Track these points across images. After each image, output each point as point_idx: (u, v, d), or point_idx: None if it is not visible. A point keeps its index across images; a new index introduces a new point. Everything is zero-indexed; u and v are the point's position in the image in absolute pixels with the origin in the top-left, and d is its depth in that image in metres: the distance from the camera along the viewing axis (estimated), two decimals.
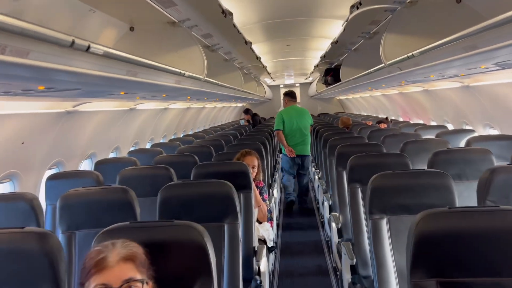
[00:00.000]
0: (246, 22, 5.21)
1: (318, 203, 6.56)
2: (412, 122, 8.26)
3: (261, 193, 3.84)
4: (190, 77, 3.74)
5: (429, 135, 5.10)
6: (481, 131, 5.23)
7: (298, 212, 6.84)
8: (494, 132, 4.99)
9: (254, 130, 9.21)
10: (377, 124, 7.47)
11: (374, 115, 12.59)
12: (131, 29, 3.80)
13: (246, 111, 12.88)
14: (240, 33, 5.15)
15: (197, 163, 4.05)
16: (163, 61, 3.04)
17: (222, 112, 15.14)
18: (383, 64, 3.98)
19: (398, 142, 4.35)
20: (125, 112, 5.74)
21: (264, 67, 9.48)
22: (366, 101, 13.90)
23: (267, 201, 3.89)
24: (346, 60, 7.50)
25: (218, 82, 5.35)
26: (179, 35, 4.04)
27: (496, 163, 3.15)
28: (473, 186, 2.59)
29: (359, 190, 3.17)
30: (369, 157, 3.34)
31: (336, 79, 8.80)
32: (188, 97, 5.79)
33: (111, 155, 5.76)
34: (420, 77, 4.43)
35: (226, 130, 9.80)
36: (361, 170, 3.17)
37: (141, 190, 3.22)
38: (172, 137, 8.37)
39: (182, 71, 3.46)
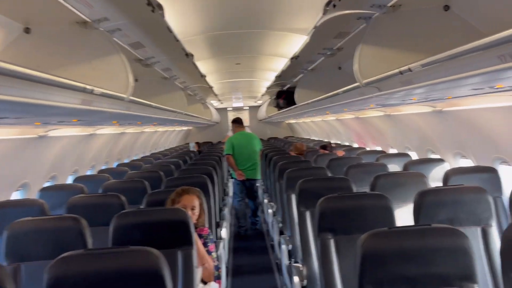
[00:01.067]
0: (186, 32, 3.95)
1: (267, 225, 6.64)
2: (368, 148, 7.47)
3: (205, 244, 3.04)
4: (105, 95, 2.76)
5: (370, 159, 5.26)
6: (451, 160, 4.73)
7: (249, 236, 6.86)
8: (467, 162, 4.50)
9: (202, 155, 8.74)
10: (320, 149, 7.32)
11: (326, 140, 11.55)
12: (27, 30, 2.88)
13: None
14: (178, 40, 3.89)
15: (147, 189, 4.02)
16: (68, 74, 2.25)
17: (165, 137, 13.70)
18: (357, 84, 3.31)
19: (342, 165, 4.55)
20: (32, 140, 4.37)
21: (211, 87, 8.35)
22: (317, 125, 13.01)
23: (213, 254, 3.08)
24: (302, 81, 6.67)
25: (151, 103, 4.44)
26: (93, 40, 3.05)
27: (431, 185, 3.43)
28: (409, 209, 2.75)
29: (307, 213, 3.30)
30: (316, 181, 3.48)
31: (289, 102, 8.21)
32: (114, 122, 4.69)
33: (14, 195, 4.53)
34: (400, 99, 3.71)
35: (168, 157, 8.55)
36: (308, 193, 3.31)
37: (92, 219, 2.94)
38: (103, 167, 6.89)
39: (90, 88, 2.47)
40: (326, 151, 6.41)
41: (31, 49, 2.77)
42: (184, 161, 7.20)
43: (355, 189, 3.43)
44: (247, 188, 6.71)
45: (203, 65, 6.01)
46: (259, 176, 6.82)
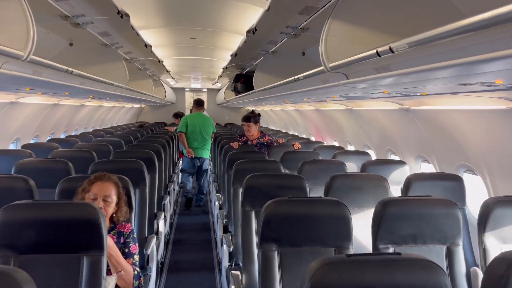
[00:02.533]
0: None
1: (212, 206, 6.61)
2: (325, 143, 6.96)
3: (126, 244, 2.50)
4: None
5: (327, 155, 4.94)
6: (412, 164, 4.39)
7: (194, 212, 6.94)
8: (428, 167, 4.22)
9: (155, 133, 8.65)
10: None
11: (284, 131, 10.95)
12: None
13: (176, 115, 10.16)
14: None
15: (94, 159, 4.02)
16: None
17: (112, 113, 12.37)
18: (322, 68, 2.67)
19: (297, 160, 4.15)
20: None
21: (160, 61, 7.34)
22: (276, 115, 12.14)
23: (135, 256, 2.50)
24: (262, 64, 5.90)
25: (69, 68, 3.46)
26: None
27: (391, 188, 3.14)
28: (368, 215, 2.54)
29: (253, 214, 2.92)
30: (266, 178, 3.06)
31: (248, 87, 7.59)
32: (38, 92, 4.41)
33: None
34: (369, 91, 3.07)
35: (110, 135, 7.81)
36: (256, 191, 2.93)
37: (40, 181, 2.99)
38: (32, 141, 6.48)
39: None
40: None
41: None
42: (135, 138, 7.05)
43: (308, 188, 3.04)
44: (196, 167, 6.90)
45: (152, 35, 5.43)
46: (208, 155, 6.98)
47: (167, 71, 9.30)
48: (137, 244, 2.53)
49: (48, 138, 6.62)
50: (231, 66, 7.48)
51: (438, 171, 3.81)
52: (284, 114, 10.86)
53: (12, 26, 2.02)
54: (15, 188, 2.60)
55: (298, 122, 9.70)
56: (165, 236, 4.65)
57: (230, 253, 3.49)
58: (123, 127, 11.39)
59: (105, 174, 2.52)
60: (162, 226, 4.15)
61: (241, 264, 2.96)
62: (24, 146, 4.93)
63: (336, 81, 2.81)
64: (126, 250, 2.46)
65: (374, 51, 1.90)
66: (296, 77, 3.62)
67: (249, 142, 5.43)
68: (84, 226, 1.94)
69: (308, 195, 2.96)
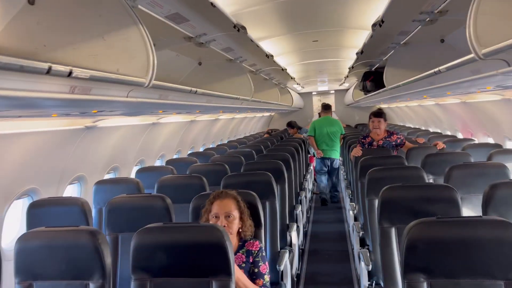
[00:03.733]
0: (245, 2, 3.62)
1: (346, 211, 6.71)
2: (476, 141, 5.96)
3: (255, 264, 2.41)
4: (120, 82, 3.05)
5: (480, 156, 4.31)
6: None
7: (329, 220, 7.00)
8: None
9: (286, 139, 8.90)
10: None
11: (423, 128, 9.83)
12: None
13: (290, 124, 10.20)
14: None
15: (227, 172, 4.22)
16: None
17: (244, 124, 12.75)
18: (471, 56, 2.09)
19: (443, 164, 3.69)
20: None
21: (284, 69, 7.21)
22: (413, 111, 11.01)
23: (265, 276, 2.42)
24: (393, 58, 5.22)
25: (185, 88, 3.65)
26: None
27: None
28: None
29: (393, 231, 2.68)
30: (387, 170, 3.41)
31: (378, 84, 7.05)
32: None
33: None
34: None
35: (243, 145, 7.90)
36: (378, 182, 3.15)
37: (177, 196, 3.36)
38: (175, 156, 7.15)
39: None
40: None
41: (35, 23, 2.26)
42: (266, 146, 7.18)
43: (460, 200, 2.64)
44: (327, 166, 7.42)
45: (274, 44, 5.37)
46: (337, 156, 7.43)
47: (292, 78, 9.06)
48: (267, 263, 2.47)
49: (189, 152, 7.12)
50: (357, 65, 6.91)
51: None
52: (422, 110, 9.70)
53: (135, 54, 2.02)
54: (155, 206, 2.81)
55: (440, 118, 8.54)
56: (299, 247, 4.61)
57: (360, 239, 3.76)
58: (255, 136, 11.75)
59: (222, 192, 2.53)
60: (295, 237, 4.13)
61: (382, 285, 2.78)
62: (167, 162, 5.40)
63: (493, 69, 2.30)
64: (256, 270, 2.41)
65: None
66: (436, 69, 2.98)
67: (374, 143, 4.95)
68: (210, 250, 1.91)
69: (461, 209, 2.55)
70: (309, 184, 7.62)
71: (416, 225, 1.82)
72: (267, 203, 3.38)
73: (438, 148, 4.76)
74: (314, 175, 8.92)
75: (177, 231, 1.96)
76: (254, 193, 2.79)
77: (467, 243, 1.73)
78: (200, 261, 1.91)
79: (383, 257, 2.60)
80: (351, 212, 4.86)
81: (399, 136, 4.95)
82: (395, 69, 5.00)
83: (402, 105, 10.88)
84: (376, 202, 2.93)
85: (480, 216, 1.82)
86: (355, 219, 4.56)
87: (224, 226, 2.38)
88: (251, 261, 2.44)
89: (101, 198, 3.54)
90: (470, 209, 3.12)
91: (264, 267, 2.45)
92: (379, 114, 4.90)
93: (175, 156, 6.67)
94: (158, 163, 6.06)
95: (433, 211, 2.36)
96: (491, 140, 5.88)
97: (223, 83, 4.97)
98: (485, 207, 2.43)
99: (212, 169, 4.44)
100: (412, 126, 11.22)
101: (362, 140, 5.05)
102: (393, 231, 2.59)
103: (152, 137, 5.49)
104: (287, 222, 4.06)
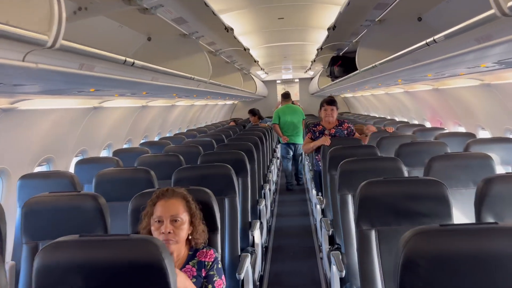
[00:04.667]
0: None
1: (311, 204, 6.45)
2: (446, 130, 5.57)
3: (209, 279, 2.00)
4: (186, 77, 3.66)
5: (456, 146, 4.22)
6: None
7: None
8: None
9: (250, 128, 8.53)
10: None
11: (389, 118, 9.57)
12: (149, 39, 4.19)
13: (252, 111, 9.68)
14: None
15: (182, 164, 3.79)
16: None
17: (205, 112, 12.07)
18: (491, 12, 1.52)
19: (394, 144, 3.96)
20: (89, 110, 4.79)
21: (246, 49, 6.42)
22: (378, 99, 10.70)
23: None
24: (367, 37, 4.64)
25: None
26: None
27: (498, 168, 2.90)
28: (470, 194, 2.38)
29: (350, 197, 2.97)
30: (361, 162, 3.06)
31: (347, 69, 6.60)
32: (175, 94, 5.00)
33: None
34: None
35: (203, 134, 7.39)
36: (352, 175, 2.93)
37: (118, 193, 3.04)
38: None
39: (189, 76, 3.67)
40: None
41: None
42: (227, 136, 6.74)
43: (406, 172, 2.98)
44: (292, 151, 7.77)
45: (234, 19, 4.84)
46: (301, 141, 7.69)
47: (255, 61, 8.42)
48: (223, 276, 2.01)
49: (141, 141, 6.52)
50: (326, 48, 6.43)
51: None
52: (388, 98, 9.40)
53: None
54: (85, 207, 2.34)
55: (408, 106, 8.27)
56: (262, 246, 4.26)
57: (330, 237, 3.48)
58: (217, 125, 11.10)
59: (167, 190, 2.01)
60: (258, 236, 3.73)
61: (342, 245, 3.00)
62: (114, 153, 4.86)
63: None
64: (210, 286, 1.92)
65: None
66: (429, 39, 2.39)
67: (326, 132, 4.68)
68: (145, 270, 1.42)
69: (452, 208, 2.33)
70: (273, 176, 7.26)
71: (414, 235, 1.41)
72: (226, 200, 2.98)
73: (390, 131, 4.93)
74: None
75: (96, 246, 1.45)
76: (208, 190, 2.31)
77: (482, 258, 1.34)
78: (132, 283, 1.41)
79: (362, 265, 2.19)
80: (318, 206, 4.57)
81: (349, 125, 4.75)
82: (369, 49, 4.47)
83: (367, 93, 10.50)
84: (350, 197, 2.97)
85: (496, 223, 1.37)
86: (323, 213, 4.23)
87: (170, 232, 1.90)
88: (203, 275, 1.98)
89: (28, 196, 2.93)
90: (456, 206, 2.78)
91: (220, 283, 1.99)
92: (332, 101, 4.67)
93: (124, 146, 6.06)
94: (104, 154, 5.43)
95: (420, 211, 2.15)
96: (462, 129, 5.65)
97: (176, 62, 4.39)
98: (479, 204, 2.17)
99: (164, 160, 3.93)
100: (377, 116, 10.94)
101: (313, 128, 4.76)
102: (373, 234, 2.20)
103: (95, 123, 4.86)
104: (249, 220, 3.62)
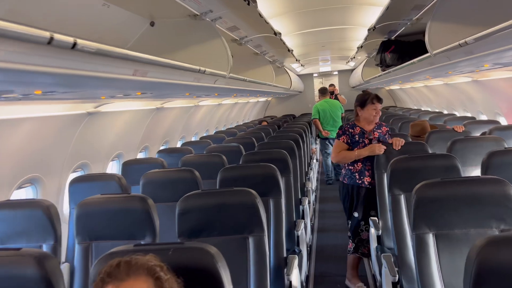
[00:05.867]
0: None
1: None
2: None
3: None
4: (211, 74, 3.15)
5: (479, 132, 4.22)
6: None
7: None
8: None
9: (281, 131, 7.84)
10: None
11: (446, 112, 8.16)
12: (152, 24, 3.38)
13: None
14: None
15: (225, 163, 3.83)
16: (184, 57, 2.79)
17: (235, 112, 11.07)
18: None
19: (445, 140, 3.82)
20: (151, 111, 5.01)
21: (278, 34, 5.26)
22: (432, 91, 9.09)
23: None
24: (441, 9, 3.31)
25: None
26: (201, 28, 3.44)
27: None
28: None
29: (402, 197, 2.86)
30: (413, 160, 2.93)
31: (402, 55, 5.58)
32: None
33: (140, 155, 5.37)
34: None
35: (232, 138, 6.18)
36: (403, 175, 2.85)
37: (164, 194, 3.11)
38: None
39: (202, 69, 2.93)
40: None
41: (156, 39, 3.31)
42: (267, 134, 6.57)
43: (461, 171, 2.88)
44: (331, 145, 7.73)
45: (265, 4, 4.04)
46: None
47: (289, 50, 6.96)
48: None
49: (162, 147, 6.27)
50: (377, 30, 5.25)
51: None
52: (447, 90, 7.92)
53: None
54: (133, 209, 2.42)
55: (474, 99, 6.79)
56: (307, 246, 4.18)
57: (378, 237, 3.30)
58: (249, 125, 10.01)
59: (119, 264, 1.27)
60: (303, 236, 3.62)
61: (392, 246, 2.94)
62: (159, 153, 4.95)
63: None
64: None
65: None
66: None
67: (369, 136, 3.66)
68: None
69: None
70: (314, 174, 7.16)
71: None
72: (271, 201, 2.98)
73: (459, 131, 4.16)
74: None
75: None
76: (254, 192, 2.32)
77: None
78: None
79: (420, 269, 2.17)
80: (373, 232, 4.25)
81: (387, 128, 3.84)
82: (446, 24, 3.18)
83: (419, 84, 9.05)
84: (402, 198, 2.89)
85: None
86: (379, 241, 3.88)
87: None
88: None
89: (79, 198, 2.95)
90: None
91: None
92: (380, 98, 3.72)
93: (139, 155, 5.52)
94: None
95: (482, 213, 2.16)
96: None
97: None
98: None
99: (208, 160, 3.98)
100: (431, 110, 9.70)
101: (350, 130, 3.69)
102: (430, 238, 2.19)
103: (105, 128, 4.52)
104: (294, 220, 3.59)
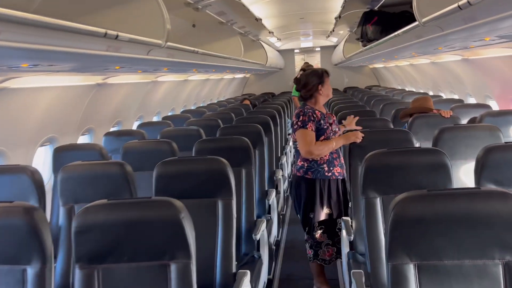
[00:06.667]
0: None
1: None
2: None
3: None
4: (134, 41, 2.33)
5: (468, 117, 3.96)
6: None
7: None
8: None
9: (268, 102, 8.26)
10: None
11: (432, 94, 7.49)
12: None
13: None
14: None
15: (202, 136, 4.00)
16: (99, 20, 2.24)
17: (207, 89, 10.20)
18: None
19: (430, 126, 3.49)
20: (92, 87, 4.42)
21: (258, 19, 5.00)
22: (418, 70, 8.43)
23: None
24: None
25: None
26: None
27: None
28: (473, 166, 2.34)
29: (378, 201, 2.46)
30: (392, 156, 2.54)
31: (386, 28, 4.91)
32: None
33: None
34: None
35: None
36: (380, 173, 2.45)
37: (143, 164, 3.25)
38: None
39: (115, 33, 2.06)
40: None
41: None
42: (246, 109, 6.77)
43: (416, 143, 3.11)
44: None
45: None
46: None
47: (256, 19, 5.98)
48: None
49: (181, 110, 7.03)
50: (356, 0, 4.78)
51: None
52: (434, 69, 7.23)
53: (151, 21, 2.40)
54: (112, 174, 2.61)
55: (463, 79, 6.09)
56: (278, 214, 4.44)
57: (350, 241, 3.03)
58: (230, 101, 9.74)
59: None
60: (274, 204, 3.90)
61: (367, 261, 2.52)
62: (139, 126, 5.19)
63: None
64: None
65: None
66: None
67: (330, 121, 3.17)
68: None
69: (452, 176, 2.43)
70: (289, 160, 6.97)
71: (403, 199, 1.59)
72: (243, 171, 3.22)
73: (447, 117, 3.67)
74: None
75: (122, 208, 1.75)
76: (224, 160, 2.53)
77: (462, 220, 1.53)
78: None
79: (368, 230, 2.43)
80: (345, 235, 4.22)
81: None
82: None
83: (404, 63, 8.42)
84: (360, 168, 2.66)
85: (478, 188, 1.53)
86: (351, 247, 3.85)
87: None
88: None
89: (62, 165, 3.12)
90: (462, 176, 2.99)
91: None
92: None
93: (137, 122, 6.04)
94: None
95: (421, 180, 2.33)
96: None
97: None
98: (479, 173, 2.22)
99: (186, 133, 4.17)
100: (415, 90, 9.15)
101: (315, 116, 3.08)
102: (378, 202, 2.42)
103: (101, 99, 4.82)
104: (266, 189, 3.85)
